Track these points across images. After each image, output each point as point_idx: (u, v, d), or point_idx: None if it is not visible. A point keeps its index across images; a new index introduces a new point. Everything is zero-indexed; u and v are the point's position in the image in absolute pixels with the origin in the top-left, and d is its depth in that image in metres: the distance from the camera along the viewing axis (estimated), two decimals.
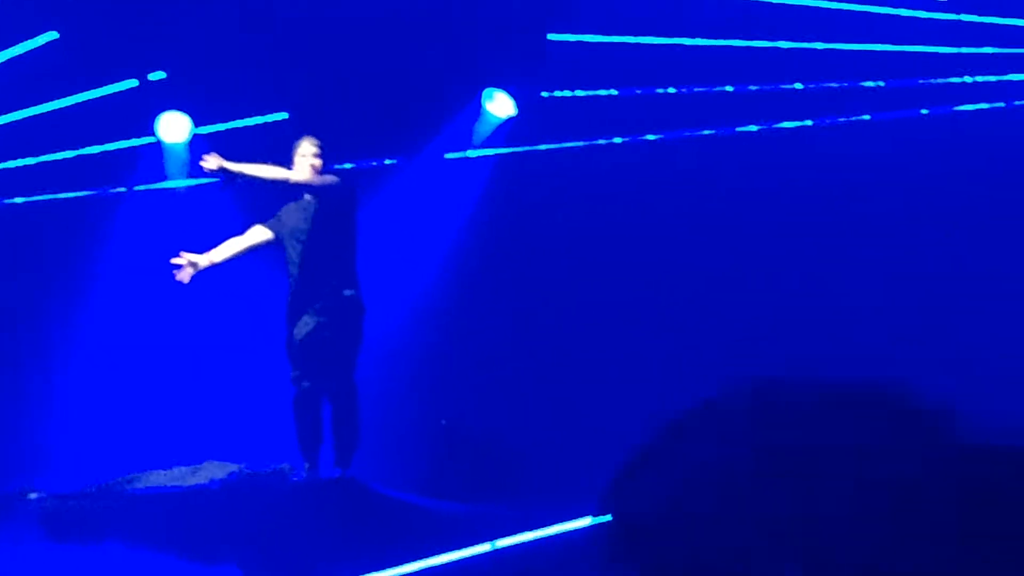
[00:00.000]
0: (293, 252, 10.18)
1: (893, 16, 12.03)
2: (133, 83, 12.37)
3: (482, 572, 9.12)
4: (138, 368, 12.22)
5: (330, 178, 10.20)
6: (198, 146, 11.70)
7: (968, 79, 12.05)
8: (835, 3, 12.15)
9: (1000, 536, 2.01)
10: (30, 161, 12.35)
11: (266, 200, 10.36)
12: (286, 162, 10.16)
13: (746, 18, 12.15)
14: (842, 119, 12.17)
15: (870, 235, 11.94)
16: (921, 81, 12.04)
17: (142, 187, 12.62)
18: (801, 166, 12.10)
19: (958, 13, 11.96)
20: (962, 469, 2.11)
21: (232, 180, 9.89)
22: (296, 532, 9.46)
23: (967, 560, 1.99)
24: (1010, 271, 11.51)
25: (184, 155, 12.38)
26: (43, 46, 12.15)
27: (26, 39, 12.13)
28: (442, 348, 12.39)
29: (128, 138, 12.51)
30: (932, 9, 11.98)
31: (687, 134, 12.35)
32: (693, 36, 12.21)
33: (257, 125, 12.40)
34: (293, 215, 10.21)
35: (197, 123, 12.36)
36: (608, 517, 2.28)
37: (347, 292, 10.14)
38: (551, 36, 12.36)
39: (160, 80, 12.35)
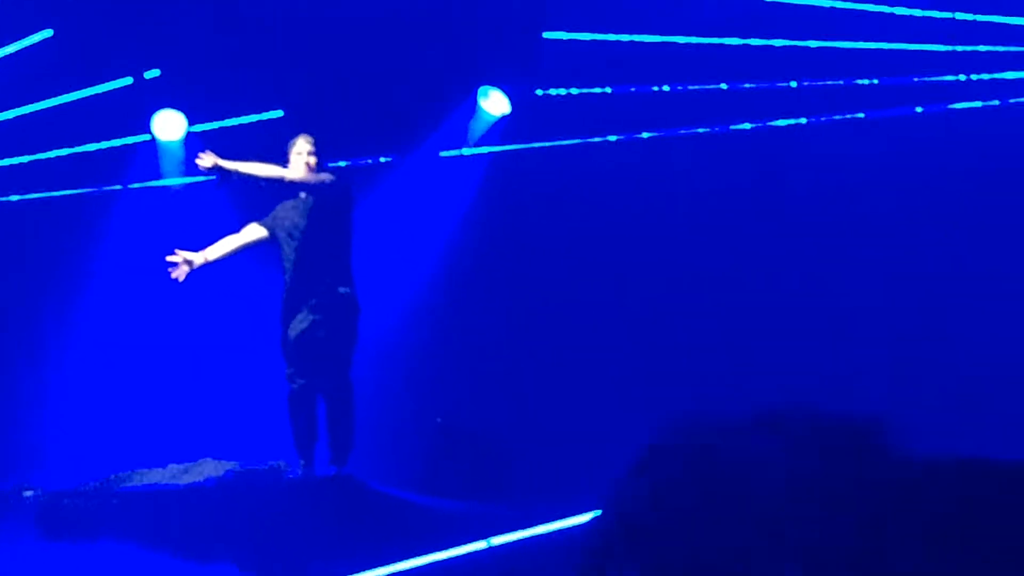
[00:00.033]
0: (288, 250, 10.17)
1: (888, 14, 12.05)
2: (128, 81, 12.38)
3: (477, 570, 9.12)
4: (134, 366, 12.23)
5: (325, 176, 10.19)
6: (193, 144, 11.68)
7: (963, 77, 12.07)
8: (830, 1, 12.16)
9: (1001, 538, 2.02)
10: (25, 159, 12.35)
11: (261, 198, 10.35)
12: (281, 160, 10.15)
13: (741, 16, 12.17)
14: (837, 117, 12.18)
15: (865, 233, 11.95)
16: (916, 79, 12.05)
17: (137, 185, 12.62)
18: (796, 164, 12.11)
19: (953, 11, 11.97)
20: (962, 470, 2.12)
21: (227, 178, 9.88)
22: (291, 530, 9.45)
23: (967, 560, 2.00)
24: (1006, 269, 11.53)
25: (179, 153, 12.38)
26: (38, 44, 12.16)
27: (21, 37, 12.14)
28: (437, 346, 12.40)
29: (123, 136, 12.51)
30: (927, 7, 11.99)
31: (682, 132, 12.36)
32: (687, 34, 12.22)
33: (252, 123, 12.40)
34: (288, 213, 10.20)
35: (192, 121, 12.37)
36: (607, 516, 2.28)
37: (342, 290, 10.13)
38: (546, 34, 12.37)
39: (155, 78, 12.36)
